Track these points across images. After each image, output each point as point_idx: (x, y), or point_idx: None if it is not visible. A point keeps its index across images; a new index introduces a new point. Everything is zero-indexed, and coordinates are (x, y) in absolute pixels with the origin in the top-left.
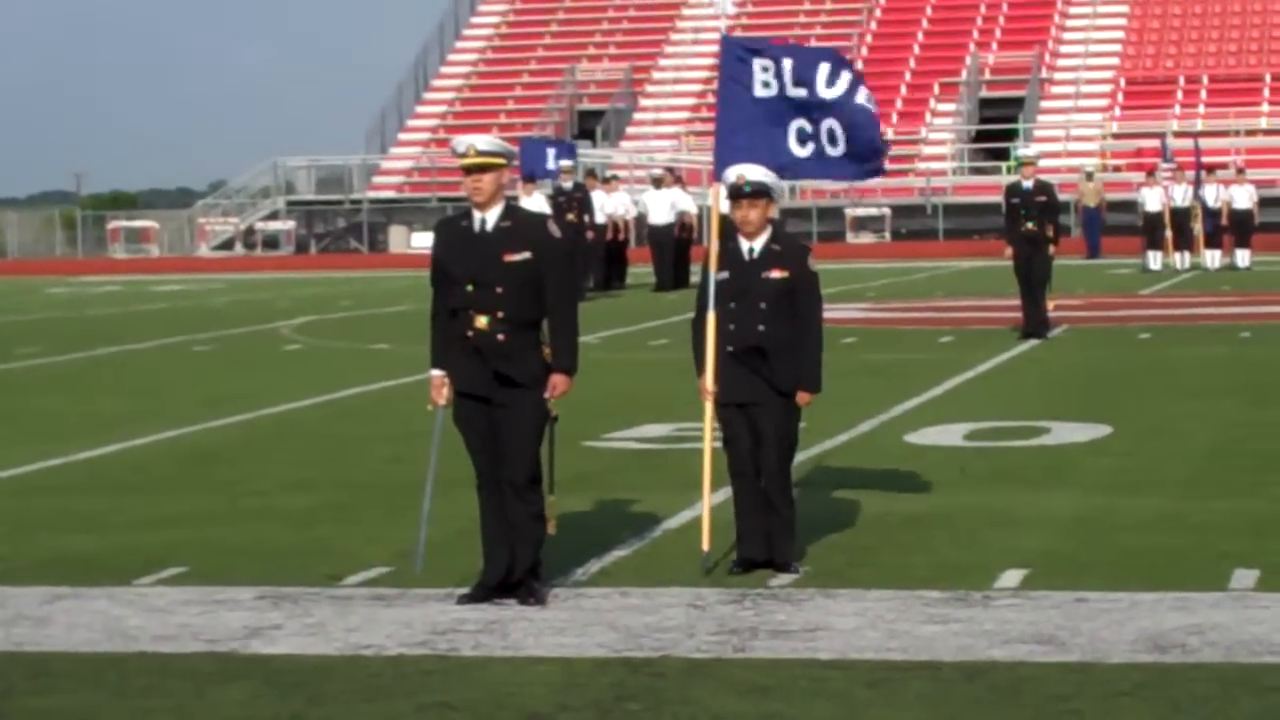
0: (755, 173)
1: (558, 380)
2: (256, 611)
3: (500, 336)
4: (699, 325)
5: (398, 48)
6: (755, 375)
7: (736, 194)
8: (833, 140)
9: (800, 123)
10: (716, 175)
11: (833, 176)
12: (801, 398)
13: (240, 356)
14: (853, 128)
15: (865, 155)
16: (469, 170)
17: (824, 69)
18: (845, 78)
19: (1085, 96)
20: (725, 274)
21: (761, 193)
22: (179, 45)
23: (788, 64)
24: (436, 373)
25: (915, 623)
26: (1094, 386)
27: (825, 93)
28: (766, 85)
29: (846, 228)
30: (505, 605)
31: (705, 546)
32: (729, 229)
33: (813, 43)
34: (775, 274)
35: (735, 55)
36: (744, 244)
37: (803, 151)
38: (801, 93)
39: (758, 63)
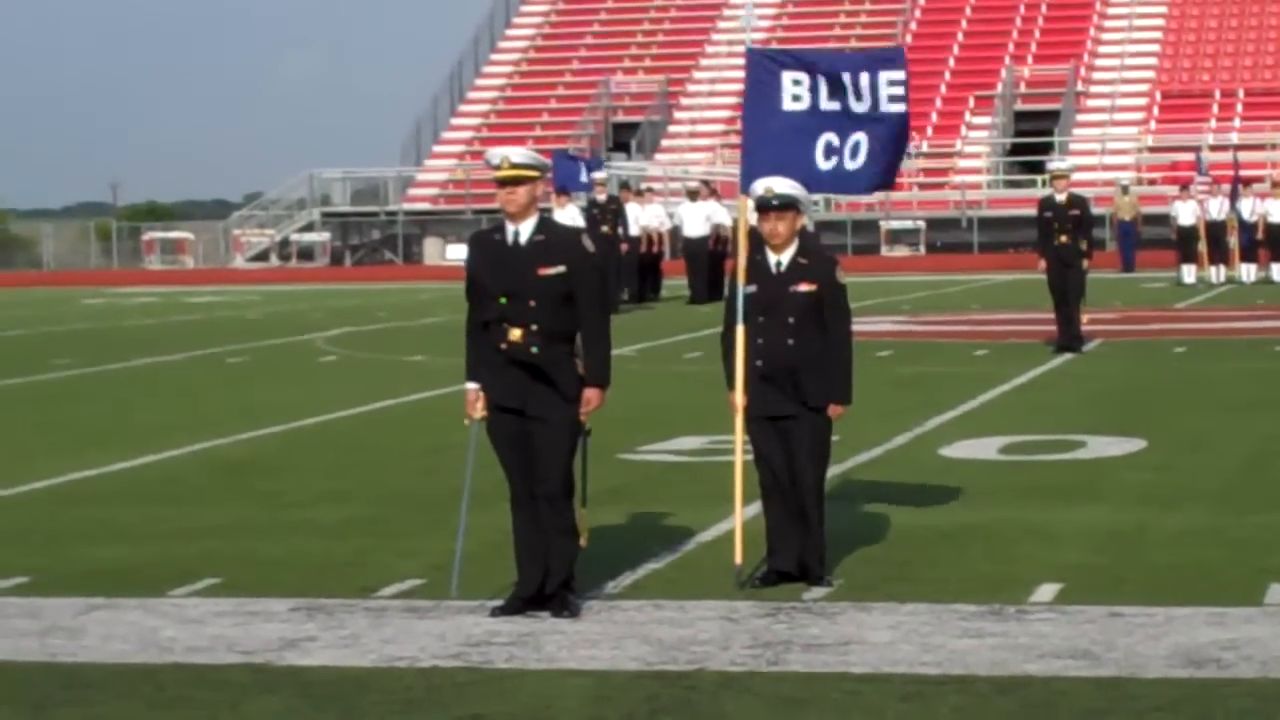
0: (783, 185)
1: (590, 395)
2: (291, 623)
3: (533, 349)
4: (728, 339)
5: (433, 60)
6: (785, 389)
7: (764, 206)
8: (854, 154)
9: (829, 136)
10: (743, 188)
11: (849, 190)
12: (833, 411)
13: (275, 368)
14: (878, 140)
15: (880, 168)
16: (503, 183)
17: (849, 80)
18: (866, 85)
19: (1121, 110)
20: (753, 287)
21: (789, 205)
22: (214, 57)
23: (823, 78)
24: (471, 386)
25: (949, 636)
26: (1129, 400)
27: (855, 106)
28: (797, 99)
29: (881, 241)
30: (539, 618)
31: (738, 560)
32: (757, 241)
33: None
34: (803, 287)
35: (762, 68)
36: (771, 257)
37: (826, 165)
38: (835, 106)
39: (787, 75)
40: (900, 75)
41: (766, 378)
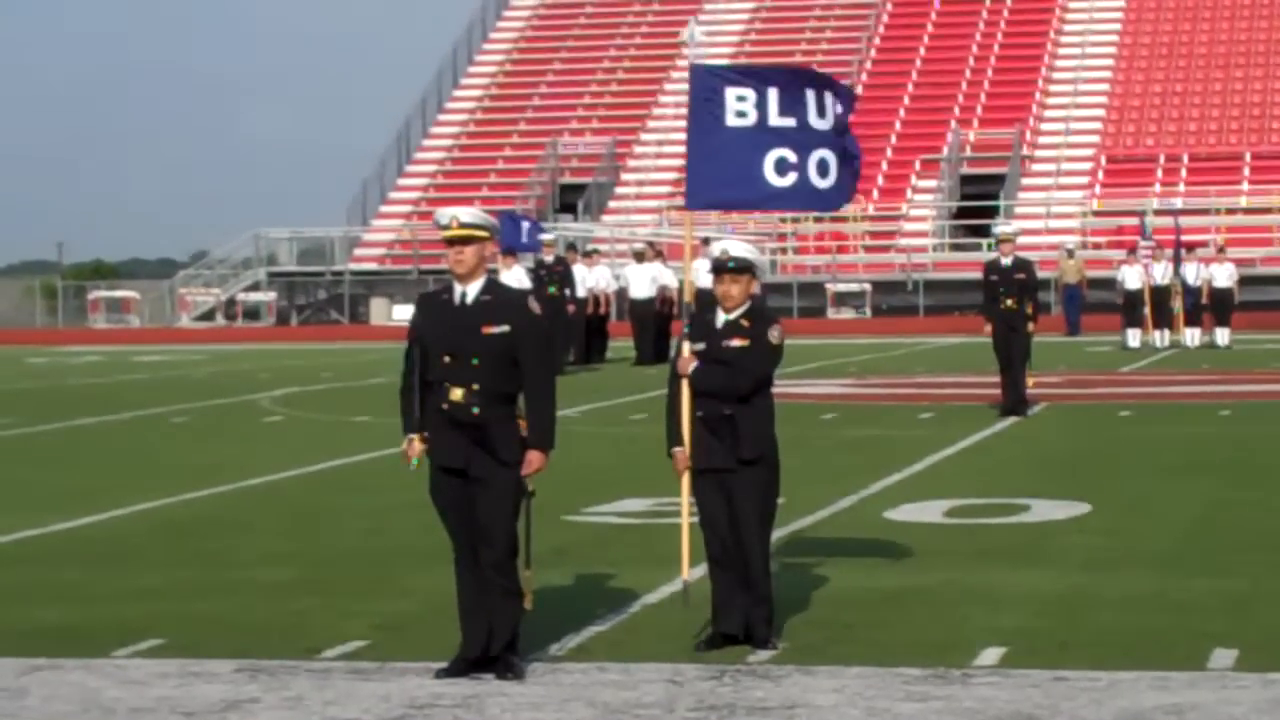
0: (739, 248)
1: (532, 456)
2: (234, 684)
3: (474, 410)
4: (673, 393)
5: (381, 120)
6: (723, 442)
7: (720, 269)
8: (823, 172)
9: (782, 152)
10: (688, 205)
11: (816, 208)
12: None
13: (220, 428)
14: (845, 158)
15: (847, 185)
16: (451, 242)
17: (811, 97)
18: (830, 107)
19: (1066, 174)
20: (701, 345)
21: (745, 269)
22: (160, 116)
23: (773, 93)
24: (410, 435)
25: (894, 700)
26: (1074, 464)
27: (817, 123)
28: (742, 115)
29: (827, 303)
30: (483, 680)
31: (684, 576)
32: (710, 302)
33: None
34: (735, 343)
35: (705, 84)
36: (720, 317)
37: (782, 182)
38: (789, 122)
39: (731, 92)
40: (831, 95)
41: (706, 428)
